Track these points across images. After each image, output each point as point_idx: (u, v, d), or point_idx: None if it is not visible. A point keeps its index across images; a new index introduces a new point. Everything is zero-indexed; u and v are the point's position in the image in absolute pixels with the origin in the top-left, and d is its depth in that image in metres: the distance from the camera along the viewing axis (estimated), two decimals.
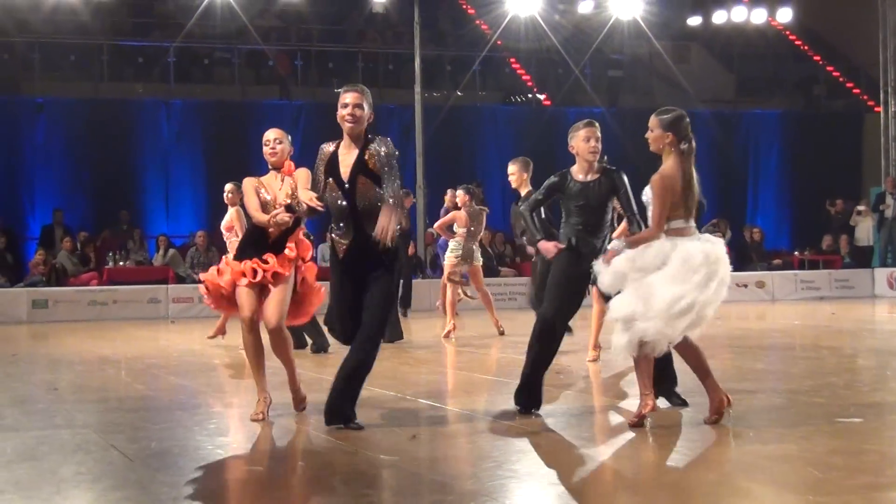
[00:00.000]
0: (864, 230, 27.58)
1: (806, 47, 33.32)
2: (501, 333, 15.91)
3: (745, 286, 25.71)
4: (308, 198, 7.78)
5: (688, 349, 7.87)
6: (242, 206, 9.87)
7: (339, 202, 7.86)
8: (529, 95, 30.68)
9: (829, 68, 33.07)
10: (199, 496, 6.06)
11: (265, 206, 8.41)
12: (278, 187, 8.52)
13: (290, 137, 8.78)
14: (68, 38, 27.23)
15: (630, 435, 7.56)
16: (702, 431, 7.69)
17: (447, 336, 15.54)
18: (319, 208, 7.80)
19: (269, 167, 8.67)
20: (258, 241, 8.48)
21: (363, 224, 7.77)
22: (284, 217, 8.10)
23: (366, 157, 7.79)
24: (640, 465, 6.91)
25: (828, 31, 33.06)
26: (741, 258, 27.15)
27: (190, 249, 24.18)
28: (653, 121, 7.87)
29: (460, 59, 29.83)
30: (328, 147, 8.05)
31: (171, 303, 22.63)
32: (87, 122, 25.92)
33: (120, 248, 24.30)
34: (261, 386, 8.46)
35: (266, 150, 8.64)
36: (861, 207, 27.77)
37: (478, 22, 30.71)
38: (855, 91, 32.37)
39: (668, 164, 7.73)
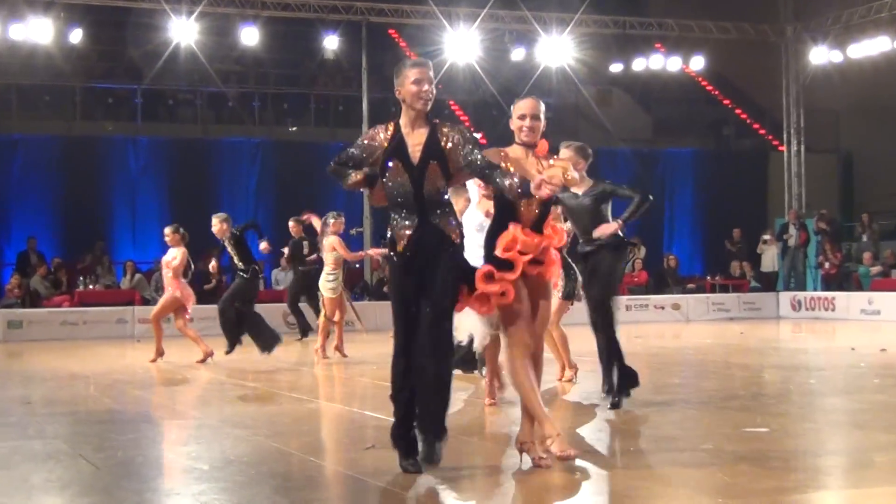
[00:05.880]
0: (770, 257, 27.85)
1: (717, 92, 33.57)
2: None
3: (662, 308, 25.86)
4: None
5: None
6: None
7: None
8: None
9: (738, 111, 33.33)
10: (160, 502, 5.99)
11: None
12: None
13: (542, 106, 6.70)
14: (43, 80, 27.02)
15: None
16: (619, 438, 7.69)
17: None
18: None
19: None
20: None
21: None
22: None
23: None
24: (560, 471, 6.84)
25: (736, 77, 33.33)
26: (658, 283, 27.33)
27: (154, 274, 23.95)
28: None
29: None
30: None
31: (137, 323, 22.35)
32: (60, 157, 25.67)
33: (90, 273, 24.08)
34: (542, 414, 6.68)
35: (523, 124, 6.66)
36: (767, 237, 28.05)
37: None
38: (761, 132, 32.64)
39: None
